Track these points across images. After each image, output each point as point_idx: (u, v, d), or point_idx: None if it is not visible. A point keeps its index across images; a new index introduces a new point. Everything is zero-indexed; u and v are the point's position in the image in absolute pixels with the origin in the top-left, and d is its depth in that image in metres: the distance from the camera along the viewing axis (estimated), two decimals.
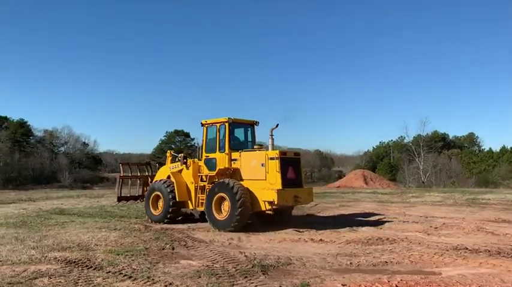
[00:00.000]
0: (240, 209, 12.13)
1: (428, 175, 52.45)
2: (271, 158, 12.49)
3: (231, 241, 10.93)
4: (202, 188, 13.68)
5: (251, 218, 13.02)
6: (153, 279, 7.23)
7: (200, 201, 13.66)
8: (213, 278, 7.27)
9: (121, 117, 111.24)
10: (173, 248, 9.93)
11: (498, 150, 65.86)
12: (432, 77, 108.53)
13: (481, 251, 9.47)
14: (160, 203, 14.38)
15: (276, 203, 12.02)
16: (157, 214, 14.39)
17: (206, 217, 13.00)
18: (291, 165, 12.84)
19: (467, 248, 9.75)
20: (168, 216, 14.04)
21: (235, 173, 13.32)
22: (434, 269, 7.91)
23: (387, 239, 11.05)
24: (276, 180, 12.29)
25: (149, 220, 14.65)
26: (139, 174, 16.61)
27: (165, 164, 16.00)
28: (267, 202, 12.25)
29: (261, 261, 8.48)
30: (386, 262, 8.52)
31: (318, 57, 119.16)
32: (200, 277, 7.36)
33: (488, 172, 56.84)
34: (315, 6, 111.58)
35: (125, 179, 16.51)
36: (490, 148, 69.36)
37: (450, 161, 59.54)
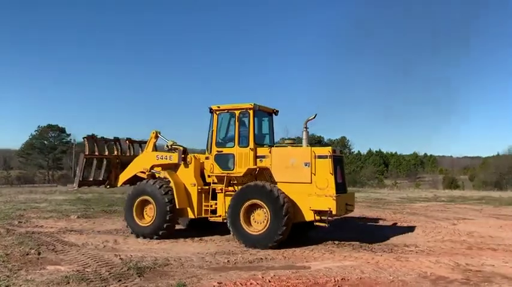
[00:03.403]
0: (285, 220, 9.89)
1: None
2: (321, 157, 10.26)
3: (106, 244, 10.42)
4: (213, 192, 11.41)
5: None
6: None
7: (204, 208, 11.33)
8: (83, 283, 6.87)
9: None
10: (39, 253, 9.12)
11: (365, 153, 73.15)
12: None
13: (345, 246, 10.41)
14: (149, 211, 11.44)
15: (334, 212, 9.87)
16: (145, 225, 11.29)
17: (231, 229, 10.52)
18: (339, 165, 10.77)
19: (334, 243, 10.64)
20: (163, 228, 11.08)
21: (261, 174, 10.90)
22: (305, 264, 8.48)
23: None
24: (327, 184, 10.05)
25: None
26: (107, 153, 13.07)
27: (139, 144, 13.36)
28: (317, 211, 10.06)
29: (137, 263, 8.23)
30: (261, 258, 8.90)
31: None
32: (69, 282, 6.90)
33: (357, 172, 62.66)
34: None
35: (90, 158, 12.62)
36: (359, 151, 76.69)
37: None
